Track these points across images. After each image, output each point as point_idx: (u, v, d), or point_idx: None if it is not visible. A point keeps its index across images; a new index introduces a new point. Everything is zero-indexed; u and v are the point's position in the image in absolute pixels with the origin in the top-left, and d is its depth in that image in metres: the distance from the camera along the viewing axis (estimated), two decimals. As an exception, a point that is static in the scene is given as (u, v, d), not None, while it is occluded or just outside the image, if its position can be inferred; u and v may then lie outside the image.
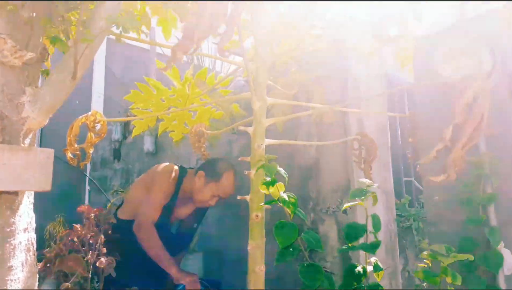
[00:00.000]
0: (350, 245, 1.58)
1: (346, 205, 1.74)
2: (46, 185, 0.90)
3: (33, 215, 1.05)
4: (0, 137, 0.89)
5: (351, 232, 1.68)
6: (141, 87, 2.29)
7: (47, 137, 4.55)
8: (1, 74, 0.91)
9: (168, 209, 2.19)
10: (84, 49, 0.93)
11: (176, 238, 2.22)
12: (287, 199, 1.76)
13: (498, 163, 1.42)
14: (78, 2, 0.95)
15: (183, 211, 2.33)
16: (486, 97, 1.00)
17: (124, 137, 4.34)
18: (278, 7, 1.82)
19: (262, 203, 1.54)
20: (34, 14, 0.96)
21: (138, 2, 1.69)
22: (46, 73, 1.03)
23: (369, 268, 1.65)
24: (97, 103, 4.91)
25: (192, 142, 2.32)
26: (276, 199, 1.74)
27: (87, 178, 4.87)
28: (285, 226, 1.72)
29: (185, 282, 1.89)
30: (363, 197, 1.64)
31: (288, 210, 1.54)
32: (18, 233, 0.94)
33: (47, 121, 1.00)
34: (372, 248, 1.53)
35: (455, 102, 0.98)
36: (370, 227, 1.68)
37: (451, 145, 1.00)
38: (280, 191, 1.76)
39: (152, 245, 2.00)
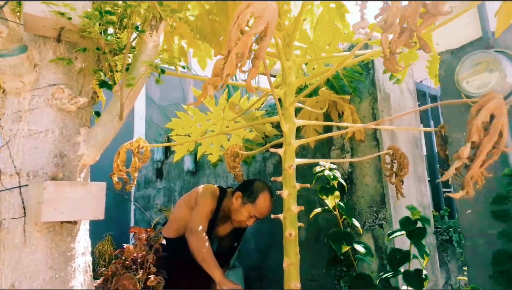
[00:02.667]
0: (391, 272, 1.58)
1: (393, 235, 1.73)
2: (100, 214, 1.02)
3: (89, 240, 1.19)
4: (61, 173, 1.04)
5: (395, 258, 1.65)
6: (180, 115, 2.45)
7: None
8: (60, 119, 1.06)
9: (209, 226, 2.30)
10: (129, 92, 1.07)
11: (216, 255, 2.32)
12: (345, 207, 1.80)
13: (528, 176, 1.43)
14: (121, 54, 1.09)
15: (222, 230, 2.43)
16: (503, 114, 1.03)
17: (166, 157, 4.55)
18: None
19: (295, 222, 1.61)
20: (85, 64, 1.11)
21: (176, 37, 1.84)
22: (97, 114, 1.18)
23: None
24: (139, 126, 5.20)
25: (227, 163, 2.44)
26: (330, 208, 1.78)
27: (132, 198, 5.11)
28: (339, 234, 1.76)
29: (227, 288, 1.93)
30: (409, 229, 1.63)
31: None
32: (77, 257, 1.08)
33: (99, 156, 1.14)
34: (416, 283, 1.49)
35: (470, 121, 1.02)
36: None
37: (471, 163, 1.04)
38: (336, 200, 1.81)
39: (201, 248, 2.09)
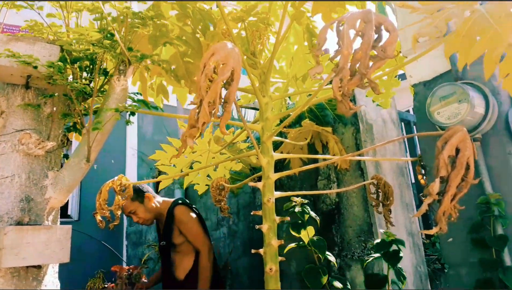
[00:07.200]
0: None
1: (368, 258, 1.74)
2: (64, 258, 1.02)
3: (58, 283, 1.17)
4: (27, 217, 1.04)
5: (372, 283, 1.66)
6: (165, 147, 2.47)
7: (86, 193, 4.85)
8: (27, 163, 1.07)
9: None
10: (96, 135, 1.08)
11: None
12: (317, 243, 1.79)
13: (503, 204, 1.43)
14: (90, 98, 1.11)
15: None
16: (468, 147, 1.04)
17: (156, 191, 4.53)
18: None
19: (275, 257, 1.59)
20: (55, 109, 1.13)
21: (154, 77, 1.88)
22: (66, 157, 1.19)
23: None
24: (131, 160, 5.19)
25: (213, 196, 2.43)
26: (305, 243, 1.77)
27: (124, 234, 5.06)
28: (314, 270, 1.74)
29: None
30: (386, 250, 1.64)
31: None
32: (44, 301, 1.06)
33: (67, 199, 1.15)
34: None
35: (437, 156, 1.03)
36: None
37: (442, 197, 1.04)
38: (310, 235, 1.80)
39: None
